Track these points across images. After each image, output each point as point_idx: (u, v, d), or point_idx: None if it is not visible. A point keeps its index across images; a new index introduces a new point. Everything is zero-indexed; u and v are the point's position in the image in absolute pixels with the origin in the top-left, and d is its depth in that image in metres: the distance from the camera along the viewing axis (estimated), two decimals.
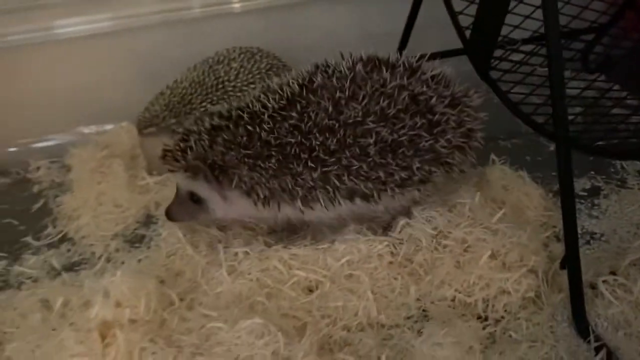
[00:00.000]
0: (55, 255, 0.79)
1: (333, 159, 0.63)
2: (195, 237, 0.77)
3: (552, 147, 0.88)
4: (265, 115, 0.64)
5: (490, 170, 0.81)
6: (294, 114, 0.63)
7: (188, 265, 0.73)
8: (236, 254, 0.72)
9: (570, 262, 0.61)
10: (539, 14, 0.68)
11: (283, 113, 0.64)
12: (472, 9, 0.87)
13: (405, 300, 0.66)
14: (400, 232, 0.70)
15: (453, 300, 0.66)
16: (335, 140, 0.63)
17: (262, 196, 0.65)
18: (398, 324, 0.64)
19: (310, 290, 0.68)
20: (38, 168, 0.98)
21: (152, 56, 1.03)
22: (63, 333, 0.60)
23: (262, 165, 0.64)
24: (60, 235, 0.82)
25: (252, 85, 0.88)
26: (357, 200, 0.66)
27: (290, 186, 0.64)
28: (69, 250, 0.80)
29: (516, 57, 0.87)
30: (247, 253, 0.72)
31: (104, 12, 0.99)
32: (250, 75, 0.89)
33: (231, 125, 0.65)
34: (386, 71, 0.65)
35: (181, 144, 0.67)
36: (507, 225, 0.68)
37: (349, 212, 0.68)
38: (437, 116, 0.65)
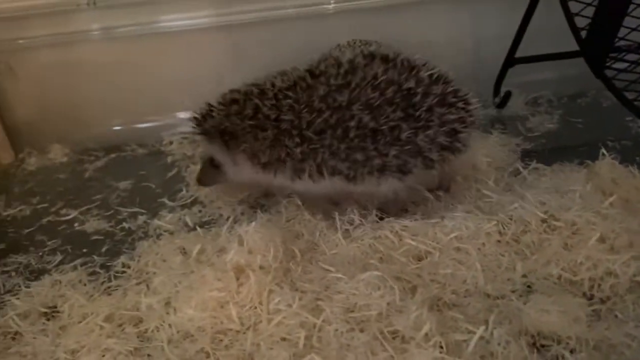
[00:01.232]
0: (188, 215, 0.88)
1: (318, 137, 0.70)
2: (311, 206, 0.84)
3: None
4: (270, 93, 0.72)
5: (600, 164, 0.82)
6: (292, 94, 0.71)
7: (306, 228, 0.79)
8: (352, 221, 0.78)
9: None
10: None
11: (286, 92, 0.72)
12: (588, 11, 0.90)
13: (511, 276, 0.70)
14: (511, 213, 0.74)
15: (559, 278, 0.68)
16: (321, 121, 0.70)
17: (262, 162, 0.74)
18: (504, 295, 0.67)
19: (419, 260, 0.73)
20: (171, 142, 1.10)
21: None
22: (204, 270, 0.69)
23: (262, 135, 0.73)
24: (192, 199, 0.92)
25: None
26: (339, 179, 0.72)
27: (282, 156, 0.72)
28: (200, 211, 0.89)
29: (631, 57, 0.88)
30: (360, 222, 0.78)
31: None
32: None
33: (243, 99, 0.74)
34: (382, 66, 0.71)
35: (204, 113, 0.77)
36: (618, 211, 0.70)
37: (332, 188, 0.74)
38: (419, 112, 0.70)
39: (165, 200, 0.93)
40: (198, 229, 0.83)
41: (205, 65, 1.12)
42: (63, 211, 0.93)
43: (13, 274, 0.80)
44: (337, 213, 0.79)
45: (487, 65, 1.12)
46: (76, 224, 0.90)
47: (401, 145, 0.70)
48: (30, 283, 0.77)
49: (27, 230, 0.90)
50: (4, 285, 0.78)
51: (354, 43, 0.99)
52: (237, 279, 0.68)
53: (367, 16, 1.11)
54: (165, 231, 0.85)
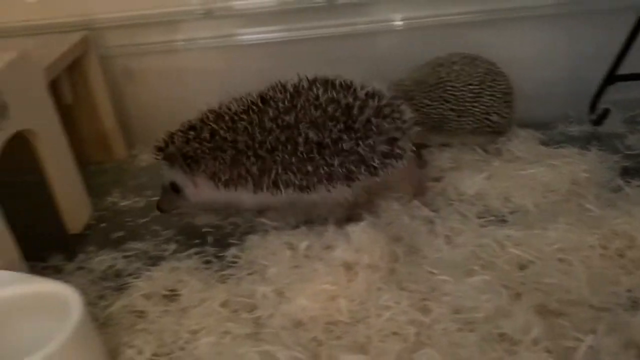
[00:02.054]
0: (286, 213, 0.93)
1: (270, 155, 0.78)
2: (410, 210, 0.87)
3: None
4: (227, 117, 0.80)
5: None
6: (246, 117, 0.79)
7: (405, 232, 0.83)
8: (452, 229, 0.81)
9: None
10: None
11: (241, 116, 0.79)
12: None
13: (615, 289, 0.70)
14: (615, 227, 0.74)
15: None
16: (272, 139, 0.77)
17: (222, 180, 0.81)
18: (609, 307, 0.68)
19: (522, 268, 0.74)
20: None
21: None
22: (315, 264, 0.73)
23: (221, 156, 0.80)
24: None
25: (470, 87, 0.98)
26: (294, 190, 0.79)
27: (243, 174, 0.80)
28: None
29: None
30: (462, 229, 0.81)
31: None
32: (469, 78, 0.98)
33: (200, 125, 0.81)
34: (322, 88, 0.78)
35: (165, 140, 0.84)
36: None
37: (289, 199, 0.81)
38: (357, 124, 0.77)
39: None
40: (303, 227, 0.88)
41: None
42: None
43: (133, 259, 0.87)
44: (438, 219, 0.82)
45: (581, 82, 1.12)
46: (187, 217, 0.97)
47: (345, 155, 0.77)
48: (150, 268, 0.84)
49: (142, 220, 0.98)
50: (125, 269, 0.85)
51: (454, 56, 1.02)
52: (346, 274, 0.71)
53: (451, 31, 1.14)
54: (272, 228, 0.90)
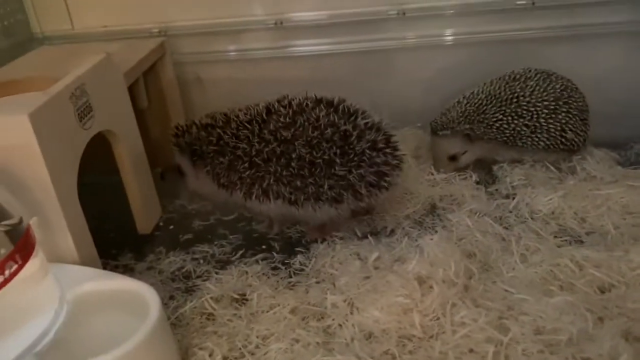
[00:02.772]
0: (356, 224, 0.93)
1: (264, 165, 0.80)
2: (481, 227, 0.85)
3: None
4: (234, 124, 0.83)
5: None
6: (249, 126, 0.82)
7: (478, 249, 0.81)
8: (527, 247, 0.79)
9: None
10: None
11: (245, 124, 0.82)
12: None
13: None
14: None
15: None
16: (268, 150, 0.80)
17: (221, 182, 0.84)
18: None
19: (603, 292, 0.71)
20: None
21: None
22: (388, 276, 0.72)
23: (221, 159, 0.83)
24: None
25: (546, 102, 0.96)
26: (282, 202, 0.82)
27: (235, 179, 0.83)
28: (363, 220, 0.93)
29: None
30: (537, 248, 0.78)
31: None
32: (545, 94, 0.96)
33: (212, 125, 0.84)
34: (325, 110, 0.81)
35: (184, 129, 0.87)
36: None
37: (278, 210, 0.84)
38: (352, 152, 0.79)
39: None
40: (370, 238, 0.87)
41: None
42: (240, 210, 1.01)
43: (202, 261, 0.89)
44: (513, 237, 0.80)
45: None
46: (253, 223, 0.97)
47: (335, 179, 0.80)
48: (219, 271, 0.85)
49: (209, 224, 0.99)
50: (194, 271, 0.86)
51: (529, 71, 1.00)
52: (420, 288, 0.70)
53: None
54: (337, 237, 0.90)
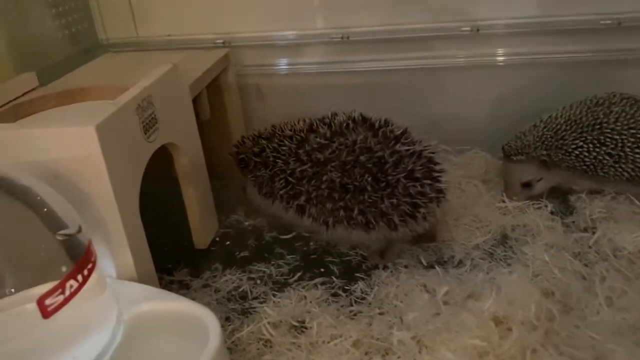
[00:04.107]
0: (420, 251, 0.88)
1: (298, 183, 0.80)
2: (559, 263, 0.79)
3: None
4: (276, 139, 0.83)
5: None
6: (288, 143, 0.82)
7: (557, 287, 0.74)
8: (613, 289, 0.72)
9: None
10: None
11: (285, 141, 0.82)
12: None
13: None
14: None
15: None
16: (301, 171, 0.80)
17: (263, 192, 0.85)
18: None
19: None
20: None
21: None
22: (462, 314, 0.67)
23: (263, 171, 0.84)
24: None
25: (632, 130, 0.88)
26: (315, 222, 0.81)
27: (275, 192, 0.83)
28: (428, 248, 0.88)
29: None
30: (624, 290, 0.72)
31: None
32: (632, 121, 0.89)
33: (258, 137, 0.87)
34: (364, 133, 0.79)
35: (240, 141, 0.89)
36: None
37: (312, 228, 0.83)
38: (386, 180, 0.76)
39: None
40: (437, 267, 0.82)
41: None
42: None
43: (258, 281, 0.85)
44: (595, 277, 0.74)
45: None
46: (311, 243, 0.94)
47: (366, 205, 0.77)
48: (276, 293, 0.81)
49: (266, 242, 0.96)
50: (251, 291, 0.83)
51: (613, 96, 0.93)
52: (497, 330, 0.65)
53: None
54: (400, 265, 0.85)
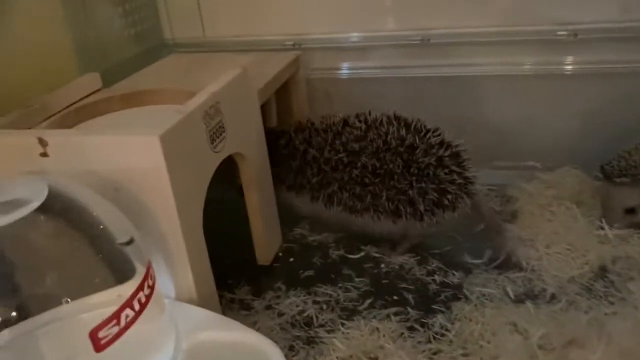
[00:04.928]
0: (507, 281, 0.78)
1: (331, 172, 0.82)
2: None
3: None
4: (307, 131, 0.86)
5: None
6: (323, 135, 0.84)
7: None
8: None
9: None
10: None
11: (319, 132, 0.85)
12: None
13: None
14: None
15: None
16: (336, 159, 0.82)
17: (286, 183, 0.88)
18: None
19: None
20: None
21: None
22: None
23: (290, 163, 0.87)
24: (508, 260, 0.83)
25: None
26: (344, 209, 0.83)
27: (303, 183, 0.86)
28: (519, 278, 0.79)
29: None
30: None
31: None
32: None
33: (281, 132, 0.90)
34: (396, 126, 0.81)
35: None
36: None
37: (338, 217, 0.85)
38: (415, 166, 0.78)
39: (472, 258, 0.84)
40: (528, 304, 0.72)
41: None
42: (365, 247, 0.90)
43: (324, 306, 0.78)
44: None
45: None
46: (382, 265, 0.86)
47: (395, 192, 0.79)
48: (345, 322, 0.74)
49: (332, 261, 0.89)
50: (317, 317, 0.76)
51: None
52: None
53: None
54: (485, 297, 0.76)
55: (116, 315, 0.48)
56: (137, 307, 0.51)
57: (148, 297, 0.53)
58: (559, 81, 1.00)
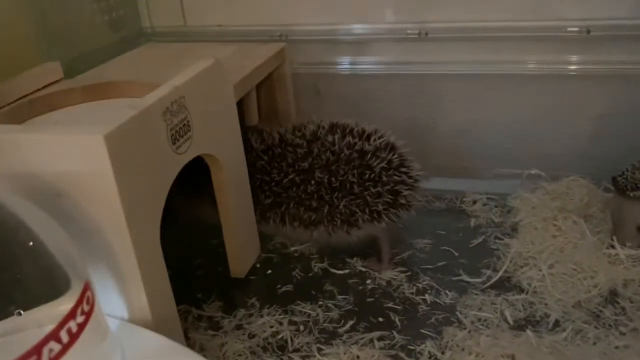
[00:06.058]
0: (505, 304, 0.71)
1: (284, 192, 0.79)
2: None
3: None
4: (253, 153, 0.81)
5: None
6: (266, 157, 0.80)
7: None
8: None
9: None
10: None
11: (261, 155, 0.81)
12: None
13: None
14: None
15: None
16: (287, 181, 0.78)
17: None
18: None
19: None
20: (474, 202, 0.94)
21: None
22: None
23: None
24: (507, 281, 0.75)
25: None
26: (299, 225, 0.79)
27: (258, 202, 0.81)
28: (519, 301, 0.71)
29: None
30: None
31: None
32: None
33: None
34: (339, 134, 0.79)
35: None
36: None
37: (294, 233, 0.81)
38: (370, 170, 0.76)
39: (468, 276, 0.77)
40: (529, 332, 0.64)
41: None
42: (351, 260, 0.82)
43: (302, 327, 0.71)
44: None
45: None
46: (368, 281, 0.78)
47: (351, 198, 0.77)
48: (322, 347, 0.66)
49: (314, 274, 0.81)
50: (292, 340, 0.68)
51: None
52: None
53: None
54: (480, 322, 0.68)
55: (36, 350, 0.40)
56: (65, 338, 0.42)
57: (82, 325, 0.45)
58: (566, 82, 0.92)
